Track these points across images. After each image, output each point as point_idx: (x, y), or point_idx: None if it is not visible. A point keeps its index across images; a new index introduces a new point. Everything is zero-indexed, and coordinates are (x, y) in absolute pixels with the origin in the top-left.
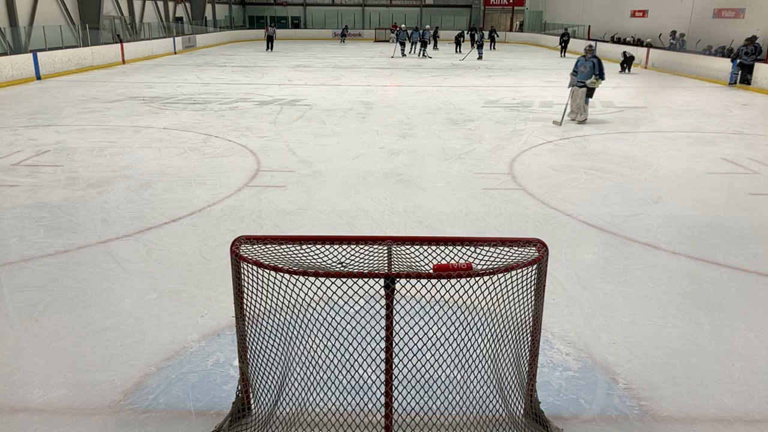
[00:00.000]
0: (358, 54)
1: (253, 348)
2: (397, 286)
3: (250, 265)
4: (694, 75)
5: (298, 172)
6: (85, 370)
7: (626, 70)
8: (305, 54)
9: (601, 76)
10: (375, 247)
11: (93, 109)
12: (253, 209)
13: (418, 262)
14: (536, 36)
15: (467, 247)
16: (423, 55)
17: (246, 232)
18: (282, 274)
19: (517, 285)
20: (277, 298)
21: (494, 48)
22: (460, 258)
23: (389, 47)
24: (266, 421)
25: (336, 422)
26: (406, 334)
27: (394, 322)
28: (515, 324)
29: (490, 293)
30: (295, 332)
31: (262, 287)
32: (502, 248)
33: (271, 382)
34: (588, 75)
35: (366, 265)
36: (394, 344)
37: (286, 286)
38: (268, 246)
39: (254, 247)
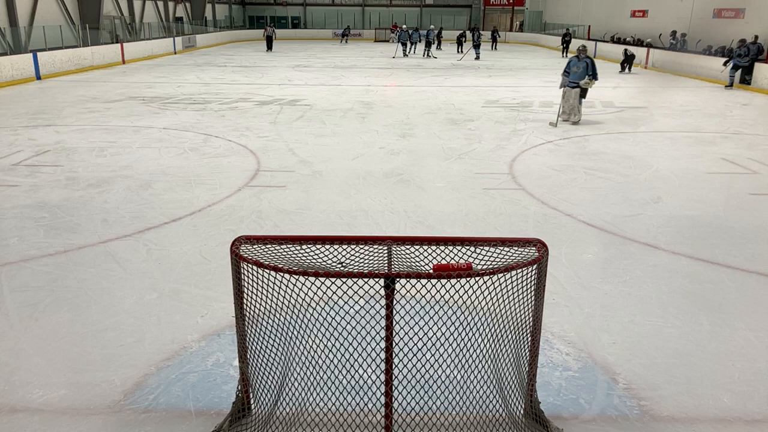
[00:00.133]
0: (358, 54)
1: (253, 348)
2: (397, 286)
3: (250, 265)
4: (694, 75)
5: (298, 172)
6: (85, 370)
7: (626, 70)
8: (305, 54)
9: (594, 76)
10: (375, 247)
11: (93, 109)
12: (253, 209)
13: (418, 262)
14: (536, 36)
15: (467, 247)
16: (428, 55)
17: (246, 232)
18: (282, 274)
19: (517, 285)
20: (277, 298)
21: (496, 48)
22: (460, 258)
23: (389, 47)
24: (266, 421)
25: (336, 422)
26: (406, 334)
27: (394, 322)
28: (515, 324)
29: (490, 293)
30: (295, 332)
31: (262, 287)
32: (502, 248)
33: (271, 382)
34: (581, 75)
35: (366, 265)
36: (394, 344)
37: (286, 286)
38: (268, 246)
39: (254, 247)
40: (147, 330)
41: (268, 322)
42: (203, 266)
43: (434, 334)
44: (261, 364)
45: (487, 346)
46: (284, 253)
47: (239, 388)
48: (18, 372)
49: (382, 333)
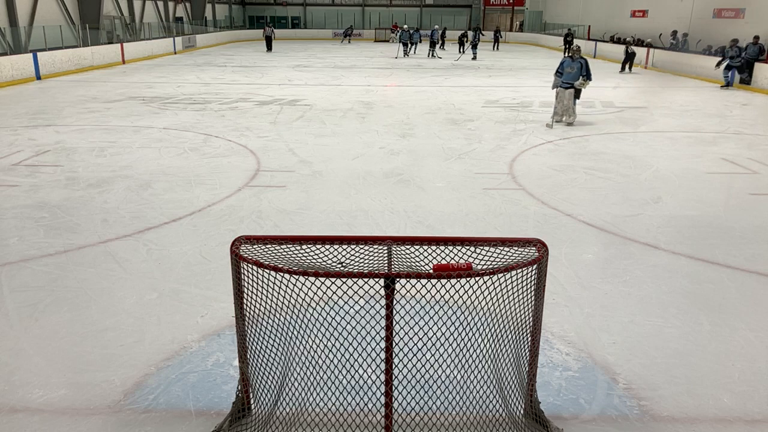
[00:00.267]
0: (358, 54)
1: (253, 348)
2: (397, 286)
3: (250, 265)
4: (694, 75)
5: (298, 172)
6: (85, 370)
7: (627, 69)
8: (305, 54)
9: (588, 77)
10: (375, 247)
11: (93, 109)
12: (253, 209)
13: (418, 262)
14: (536, 36)
15: (467, 247)
16: (432, 55)
17: (246, 232)
18: (282, 274)
19: (517, 285)
20: (277, 298)
21: (498, 48)
22: (460, 258)
23: (389, 47)
24: (266, 421)
25: (336, 422)
26: (406, 334)
27: (394, 322)
28: (515, 324)
29: (490, 293)
30: (295, 332)
31: (262, 287)
32: (502, 248)
33: (271, 382)
34: (576, 76)
35: (366, 265)
36: (394, 344)
37: (286, 286)
38: (268, 246)
39: (254, 247)
40: (147, 330)
41: (268, 322)
42: (203, 266)
43: (434, 334)
44: (261, 364)
45: (487, 346)
46: (284, 253)
47: (239, 388)
48: (18, 372)
49: (382, 333)
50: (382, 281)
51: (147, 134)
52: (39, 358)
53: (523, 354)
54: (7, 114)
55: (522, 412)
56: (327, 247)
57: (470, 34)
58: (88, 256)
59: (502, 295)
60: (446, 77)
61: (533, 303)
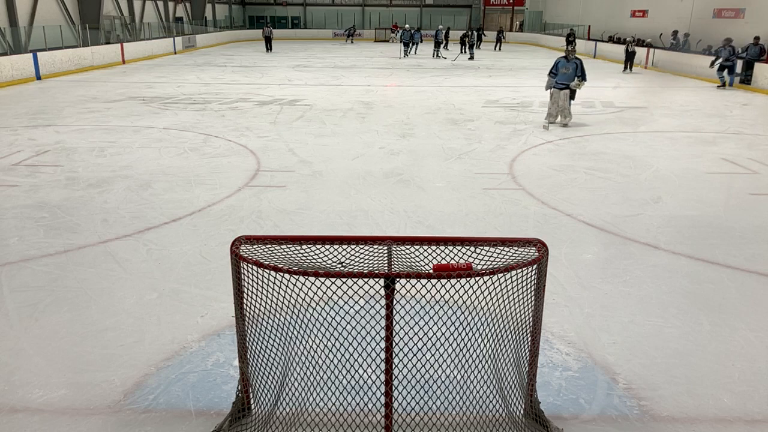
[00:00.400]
0: (358, 54)
1: (253, 348)
2: (397, 286)
3: (250, 265)
4: (695, 75)
5: (298, 172)
6: (85, 370)
7: (628, 69)
8: (305, 54)
9: (583, 77)
10: (375, 247)
11: (93, 109)
12: (253, 209)
13: (418, 262)
14: (536, 36)
15: (467, 247)
16: (437, 55)
17: (246, 232)
18: (282, 274)
19: (517, 285)
20: (277, 298)
21: (500, 49)
22: (460, 258)
23: (389, 47)
24: (266, 421)
25: (336, 422)
26: (406, 334)
27: (394, 322)
28: (515, 324)
29: (490, 293)
30: (295, 332)
31: (262, 287)
32: (502, 248)
33: (271, 382)
34: (571, 77)
35: (366, 265)
36: (394, 344)
37: (286, 286)
38: (268, 246)
39: (254, 247)
40: (147, 330)
41: (268, 322)
42: (203, 266)
43: (434, 334)
44: (261, 364)
45: (487, 346)
46: (284, 253)
47: (239, 388)
48: (18, 372)
49: (382, 333)
50: (382, 281)
51: (147, 134)
52: (39, 358)
53: (523, 354)
54: (7, 114)
55: (522, 412)
56: (327, 247)
57: (476, 34)
58: (88, 256)
59: (502, 295)
60: (446, 77)
61: (533, 303)
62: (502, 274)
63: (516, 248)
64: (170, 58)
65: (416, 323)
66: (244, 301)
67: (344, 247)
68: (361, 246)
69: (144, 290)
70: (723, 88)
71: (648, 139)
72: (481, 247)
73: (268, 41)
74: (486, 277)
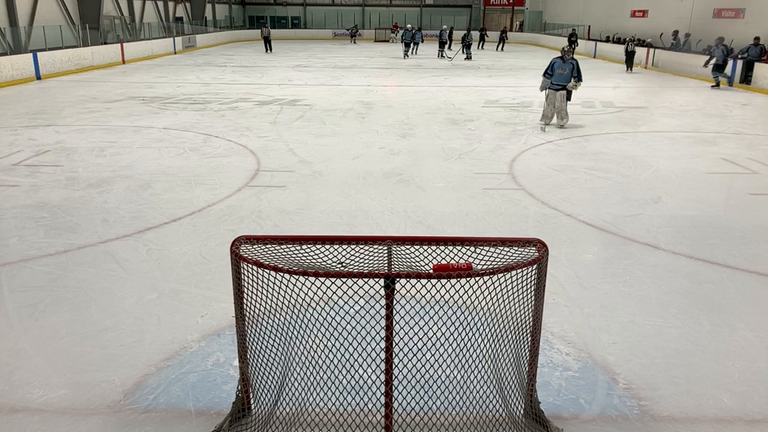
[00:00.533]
0: (358, 54)
1: (253, 348)
2: (397, 286)
3: (250, 265)
4: (695, 75)
5: (298, 172)
6: (85, 370)
7: (629, 69)
8: (305, 54)
9: (579, 78)
10: (375, 247)
11: (93, 109)
12: (253, 209)
13: (418, 262)
14: (536, 36)
15: (467, 247)
16: (442, 55)
17: (246, 232)
18: (282, 274)
19: (517, 285)
20: (277, 298)
21: (503, 49)
22: (460, 258)
23: (389, 47)
24: (266, 421)
25: (336, 422)
26: (406, 334)
27: (394, 322)
28: (515, 324)
29: (490, 293)
30: (295, 332)
31: (262, 287)
32: (502, 248)
33: (271, 382)
34: (567, 78)
35: (366, 265)
36: (394, 344)
37: (286, 286)
38: (268, 246)
39: (254, 247)
40: (147, 330)
41: (268, 322)
42: (203, 266)
43: (434, 334)
44: (261, 364)
45: (487, 346)
46: (284, 253)
47: (239, 388)
48: (18, 372)
49: (382, 333)
50: (382, 281)
51: (147, 134)
52: (39, 358)
53: (523, 354)
54: (7, 114)
55: (522, 412)
56: (327, 247)
57: (474, 34)
58: (88, 256)
59: (502, 295)
60: (446, 77)
61: (533, 303)
62: (502, 274)
63: (516, 248)
64: (170, 58)
65: (416, 323)
66: (244, 301)
67: (344, 247)
68: (361, 246)
69: (144, 290)
70: (717, 87)
71: (648, 139)
72: (481, 247)
73: (267, 42)
74: (486, 277)
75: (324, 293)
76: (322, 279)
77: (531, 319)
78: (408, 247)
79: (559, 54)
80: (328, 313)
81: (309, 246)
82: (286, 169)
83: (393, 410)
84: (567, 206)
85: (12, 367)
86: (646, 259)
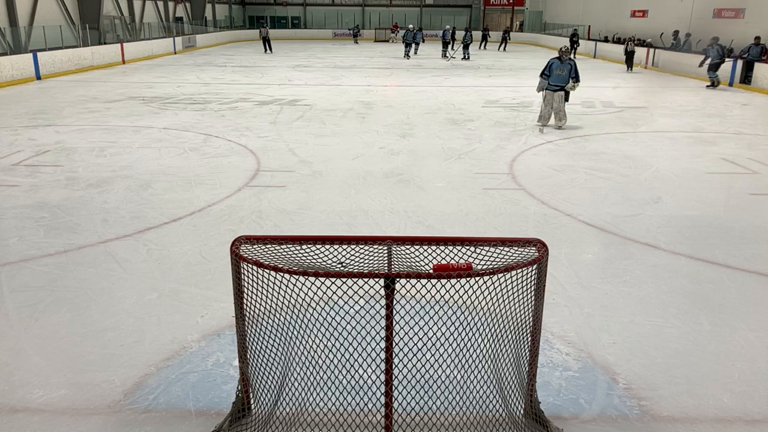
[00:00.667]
0: (358, 54)
1: (253, 348)
2: (397, 286)
3: (250, 265)
4: (695, 75)
5: (298, 172)
6: (85, 370)
7: (629, 69)
8: (305, 54)
9: (577, 79)
10: (375, 247)
11: (93, 109)
12: (253, 209)
13: (418, 262)
14: (536, 36)
15: (467, 247)
16: (446, 55)
17: (246, 232)
18: (282, 274)
19: (517, 285)
20: (277, 298)
21: (505, 49)
22: (460, 258)
23: (389, 47)
24: (266, 421)
25: (336, 422)
26: (406, 334)
27: (394, 322)
28: (515, 324)
29: (490, 293)
30: (295, 332)
31: (262, 287)
32: (502, 248)
33: (271, 382)
34: (566, 79)
35: (366, 265)
36: (394, 344)
37: (286, 286)
38: (268, 246)
39: (254, 247)
40: (147, 330)
41: (268, 322)
42: (203, 266)
43: (434, 334)
44: (261, 364)
45: (487, 346)
46: (284, 253)
47: (239, 388)
48: (18, 372)
49: (382, 333)
50: (382, 281)
51: (147, 134)
52: (39, 358)
53: (523, 354)
54: (7, 114)
55: (522, 412)
56: (327, 247)
57: (476, 34)
58: (88, 256)
59: (502, 295)
60: (446, 77)
61: (533, 303)
62: (502, 274)
63: (516, 248)
64: (170, 58)
65: (416, 323)
66: (244, 301)
67: (344, 247)
68: (361, 246)
69: (144, 290)
70: (712, 87)
71: (648, 139)
72: (481, 247)
73: (266, 42)
74: (486, 277)
75: (324, 293)
76: (322, 279)
77: (531, 319)
78: (408, 247)
79: (557, 54)
80: (328, 313)
81: (309, 246)
82: (286, 169)
83: (393, 410)
84: (567, 206)
85: (12, 367)
86: (646, 259)
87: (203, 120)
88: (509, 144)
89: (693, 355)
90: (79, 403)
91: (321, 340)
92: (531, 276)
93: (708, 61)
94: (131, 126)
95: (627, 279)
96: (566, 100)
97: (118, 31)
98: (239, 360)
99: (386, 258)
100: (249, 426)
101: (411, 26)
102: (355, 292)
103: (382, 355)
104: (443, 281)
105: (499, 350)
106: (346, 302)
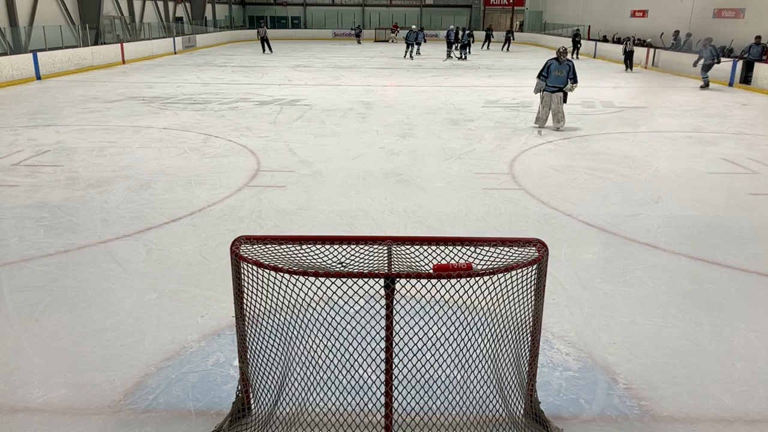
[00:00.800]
0: (358, 54)
1: (253, 348)
2: (397, 286)
3: (250, 265)
4: (695, 75)
5: (298, 172)
6: (85, 370)
7: (628, 69)
8: (305, 54)
9: (575, 80)
10: (375, 247)
11: (93, 109)
12: (253, 209)
13: (418, 262)
14: (536, 36)
15: (467, 247)
16: (450, 55)
17: (246, 232)
18: (282, 274)
19: (517, 285)
20: (277, 298)
21: (508, 49)
22: (460, 258)
23: (389, 47)
24: (266, 421)
25: (336, 422)
26: (406, 334)
27: (394, 322)
28: (515, 324)
29: (490, 293)
30: (295, 332)
31: (262, 287)
32: (502, 248)
33: (271, 382)
34: (564, 80)
35: (366, 265)
36: (394, 344)
37: (286, 286)
38: (268, 246)
39: (254, 247)
40: (147, 330)
41: (268, 322)
42: (203, 266)
43: (434, 334)
44: (261, 364)
45: (487, 346)
46: (284, 253)
47: (239, 388)
48: (18, 372)
49: (382, 333)
50: (382, 281)
51: (147, 134)
52: (39, 358)
53: (523, 354)
54: (7, 114)
55: (522, 412)
56: (327, 247)
57: (485, 35)
58: (88, 256)
59: (502, 295)
60: (446, 77)
61: (533, 303)
62: (502, 274)
63: (516, 248)
64: (170, 58)
65: (416, 323)
66: (244, 301)
67: (344, 247)
68: (361, 246)
69: (144, 290)
70: (706, 88)
71: (648, 139)
72: (481, 247)
73: (264, 42)
74: (486, 277)
75: (324, 293)
76: (322, 279)
77: (531, 319)
78: (408, 247)
79: (555, 55)
80: (328, 313)
81: (309, 246)
82: (286, 169)
83: (393, 410)
84: (567, 206)
85: (12, 367)
86: (646, 259)
87: (203, 120)
88: (509, 144)
89: (693, 355)
90: (79, 403)
91: (321, 340)
92: (531, 276)
93: (701, 61)
94: (131, 126)
95: (627, 279)
96: (564, 101)
97: (118, 31)
98: (239, 360)
99: (386, 258)
100: (249, 426)
101: (414, 26)
102: (355, 292)
103: (382, 355)
104: (443, 281)
105: (499, 350)
106: (346, 302)
